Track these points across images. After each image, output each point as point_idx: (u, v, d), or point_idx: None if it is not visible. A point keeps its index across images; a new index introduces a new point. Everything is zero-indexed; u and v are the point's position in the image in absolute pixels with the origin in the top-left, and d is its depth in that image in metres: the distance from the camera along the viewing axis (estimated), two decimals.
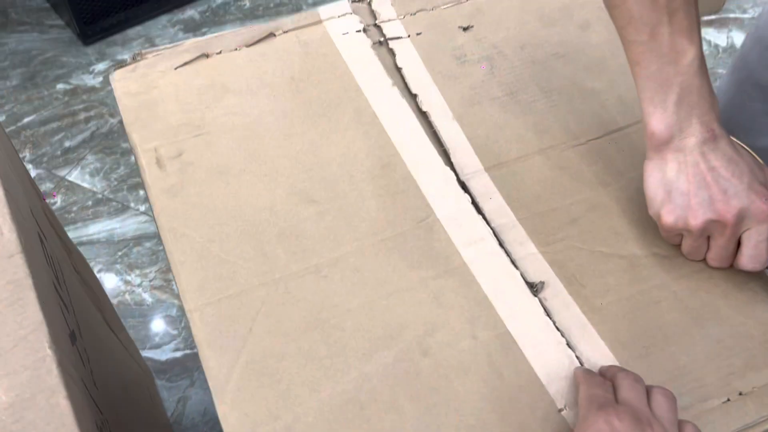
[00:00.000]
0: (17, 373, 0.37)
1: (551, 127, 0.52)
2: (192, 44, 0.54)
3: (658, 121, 0.42)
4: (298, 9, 1.68)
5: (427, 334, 0.42)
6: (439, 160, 0.49)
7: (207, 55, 0.54)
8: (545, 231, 0.46)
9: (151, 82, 0.52)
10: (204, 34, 1.66)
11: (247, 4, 1.72)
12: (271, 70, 0.54)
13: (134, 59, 0.53)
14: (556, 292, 0.43)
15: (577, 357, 0.41)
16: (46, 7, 1.69)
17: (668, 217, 0.43)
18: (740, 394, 0.40)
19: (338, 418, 0.38)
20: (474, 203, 0.47)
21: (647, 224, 0.47)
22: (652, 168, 0.43)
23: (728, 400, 0.40)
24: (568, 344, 0.41)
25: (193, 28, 1.67)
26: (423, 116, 0.52)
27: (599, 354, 0.41)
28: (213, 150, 0.49)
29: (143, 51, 0.53)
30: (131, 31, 1.65)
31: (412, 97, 0.53)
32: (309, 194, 0.47)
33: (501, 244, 0.45)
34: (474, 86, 0.54)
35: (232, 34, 0.55)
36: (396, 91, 0.53)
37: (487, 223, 0.46)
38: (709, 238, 0.43)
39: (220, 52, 0.54)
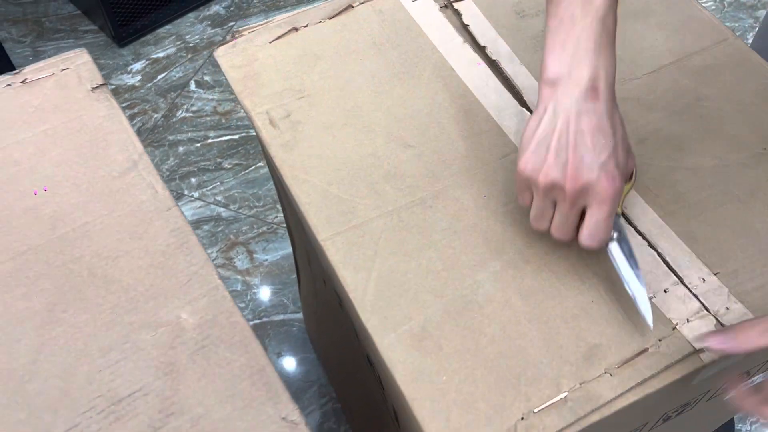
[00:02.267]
0: (197, 300, 0.45)
1: None
2: (281, 20, 0.61)
3: (552, 59, 0.42)
4: None
5: (527, 247, 0.48)
6: (514, 102, 0.56)
7: (296, 29, 0.61)
8: None
9: (252, 56, 0.59)
10: (231, 27, 1.73)
11: None
12: (354, 38, 0.60)
13: (233, 37, 0.60)
14: (635, 201, 0.50)
15: (659, 254, 0.48)
16: (78, 13, 1.76)
17: (525, 164, 0.43)
18: None
19: (462, 316, 0.45)
20: None
21: (705, 139, 0.53)
22: (534, 116, 0.44)
23: None
24: (650, 245, 0.48)
25: (220, 23, 1.73)
26: (493, 65, 0.58)
27: (678, 250, 0.48)
28: (316, 110, 0.56)
29: (240, 29, 0.60)
30: (161, 30, 1.72)
31: (481, 49, 0.59)
32: (405, 140, 0.54)
33: None
34: (536, 36, 0.60)
35: (314, 10, 0.62)
36: (467, 47, 0.59)
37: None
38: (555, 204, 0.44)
39: (307, 26, 0.61)
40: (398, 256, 0.48)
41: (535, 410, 0.41)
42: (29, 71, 0.57)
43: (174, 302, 0.45)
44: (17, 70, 0.57)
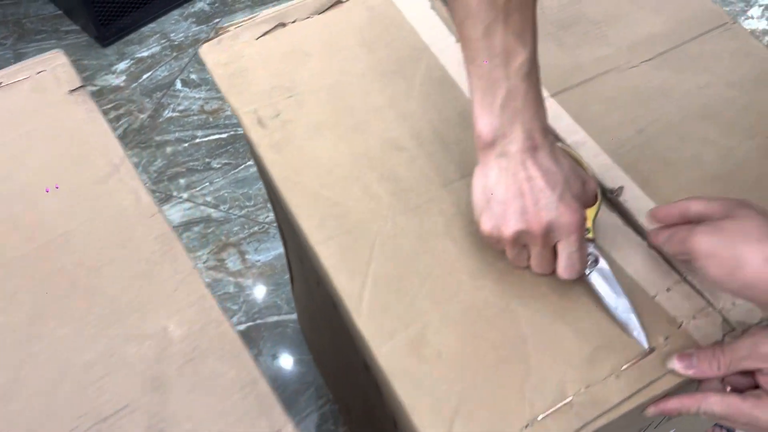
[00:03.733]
0: (184, 310, 0.43)
1: (607, 53, 0.57)
2: (268, 15, 0.59)
3: (484, 123, 0.42)
4: None
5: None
6: None
7: (283, 25, 0.59)
8: (616, 143, 0.51)
9: (238, 52, 0.57)
10: (216, 24, 1.70)
11: None
12: (344, 35, 0.58)
13: (216, 33, 0.58)
14: (635, 194, 0.49)
15: (659, 252, 0.46)
16: (59, 14, 1.72)
17: (486, 224, 0.43)
18: None
19: (462, 321, 0.43)
20: None
21: (706, 127, 0.52)
22: (478, 173, 0.44)
23: None
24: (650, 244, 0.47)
25: (205, 19, 1.70)
26: None
27: None
28: (306, 109, 0.54)
29: (224, 25, 0.58)
30: (146, 29, 1.69)
31: None
32: (398, 142, 0.52)
33: None
34: None
35: (302, 5, 0.60)
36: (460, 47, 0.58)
37: (560, 142, 0.52)
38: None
39: (295, 21, 0.59)
40: (394, 262, 0.46)
41: (540, 417, 0.39)
42: (4, 75, 0.55)
43: (160, 313, 0.43)
44: None
